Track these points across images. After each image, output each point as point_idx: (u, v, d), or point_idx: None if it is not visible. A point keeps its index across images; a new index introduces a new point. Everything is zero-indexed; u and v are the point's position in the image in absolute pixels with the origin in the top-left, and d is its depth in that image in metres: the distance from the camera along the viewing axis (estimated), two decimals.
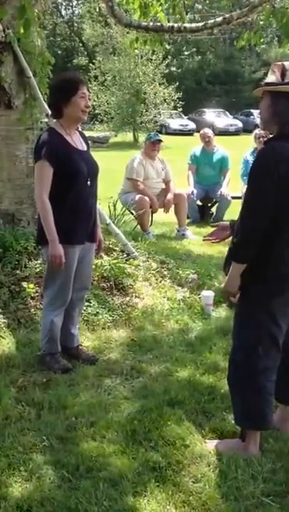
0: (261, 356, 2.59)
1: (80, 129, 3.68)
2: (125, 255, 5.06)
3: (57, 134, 3.37)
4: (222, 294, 2.85)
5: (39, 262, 4.42)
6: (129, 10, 6.58)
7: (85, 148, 3.52)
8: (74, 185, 3.34)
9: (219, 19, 5.75)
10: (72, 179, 3.33)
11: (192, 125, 29.10)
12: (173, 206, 7.14)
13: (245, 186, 2.67)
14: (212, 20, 5.83)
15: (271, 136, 2.61)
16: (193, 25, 5.94)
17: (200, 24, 5.90)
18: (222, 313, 4.57)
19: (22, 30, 4.29)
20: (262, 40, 7.75)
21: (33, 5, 4.64)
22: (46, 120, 4.87)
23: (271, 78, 2.53)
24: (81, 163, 3.37)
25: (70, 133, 3.42)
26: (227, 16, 5.73)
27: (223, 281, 2.72)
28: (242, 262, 2.55)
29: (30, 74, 4.68)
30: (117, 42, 24.05)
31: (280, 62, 2.56)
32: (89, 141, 3.70)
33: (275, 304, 2.58)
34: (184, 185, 7.91)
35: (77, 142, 3.46)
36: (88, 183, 3.41)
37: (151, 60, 23.67)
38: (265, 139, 2.74)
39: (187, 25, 5.96)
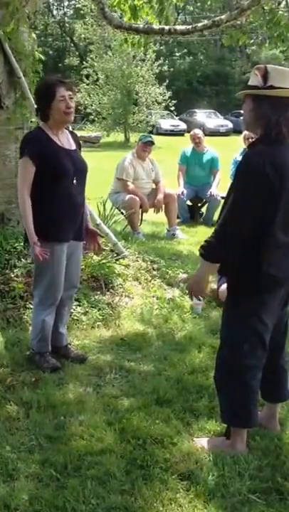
0: (247, 354, 2.62)
1: (70, 129, 3.70)
2: (115, 255, 5.08)
3: (43, 133, 3.40)
4: (188, 290, 2.86)
5: (28, 261, 4.42)
6: (120, 12, 6.60)
7: (73, 148, 3.52)
8: (59, 184, 3.35)
9: (209, 22, 5.78)
10: (57, 177, 3.35)
11: (183, 125, 29.16)
12: (163, 206, 7.17)
13: None
14: (202, 23, 5.87)
15: (255, 138, 2.63)
16: (184, 27, 5.97)
17: (190, 27, 5.93)
18: (211, 312, 4.60)
19: (11, 26, 4.31)
20: (252, 42, 7.82)
21: (23, 6, 4.65)
22: (37, 120, 4.89)
23: (253, 81, 2.54)
24: (66, 162, 3.37)
25: (57, 133, 3.43)
26: (216, 19, 5.77)
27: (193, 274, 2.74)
28: (216, 262, 2.57)
29: (21, 74, 4.69)
30: (109, 41, 24.06)
31: (262, 65, 2.56)
32: (80, 141, 3.70)
33: (262, 304, 2.60)
34: (174, 185, 7.94)
35: (65, 141, 3.47)
36: (74, 182, 3.42)
37: (144, 60, 23.69)
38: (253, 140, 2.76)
39: (177, 27, 5.99)
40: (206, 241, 2.58)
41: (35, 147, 3.33)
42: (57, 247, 3.38)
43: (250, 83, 2.57)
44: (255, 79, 2.53)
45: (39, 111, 3.47)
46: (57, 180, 3.35)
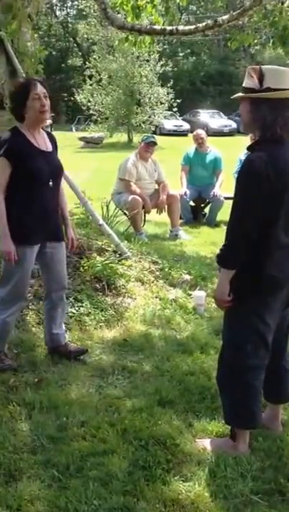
0: (249, 355, 2.62)
1: (49, 130, 3.68)
2: (118, 256, 5.08)
3: (19, 133, 3.37)
4: (215, 302, 2.83)
5: None
6: (124, 12, 6.61)
7: (50, 149, 3.49)
8: (33, 185, 3.33)
9: (210, 22, 5.78)
10: (32, 179, 3.32)
11: (186, 126, 29.14)
12: (166, 207, 7.17)
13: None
14: (204, 23, 5.86)
15: (254, 140, 2.62)
16: (186, 27, 5.96)
17: (192, 27, 5.93)
18: (214, 313, 4.59)
19: (13, 27, 4.31)
20: (255, 42, 7.82)
21: (25, 6, 4.66)
22: None
23: (249, 83, 2.52)
24: (41, 163, 3.36)
25: (33, 134, 3.40)
26: (218, 19, 5.77)
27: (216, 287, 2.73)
28: (231, 267, 2.56)
29: (23, 75, 4.69)
30: (112, 41, 24.06)
31: (256, 66, 2.53)
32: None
33: (264, 304, 2.60)
34: (177, 185, 7.94)
35: (41, 143, 3.44)
36: (50, 183, 3.40)
37: (148, 61, 23.69)
38: None
39: (179, 27, 5.99)
40: (220, 249, 2.59)
41: (12, 148, 3.30)
42: (27, 249, 3.36)
43: (245, 85, 2.54)
44: (250, 81, 2.51)
45: (14, 113, 3.44)
46: (31, 182, 3.32)
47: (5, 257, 3.28)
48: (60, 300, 3.68)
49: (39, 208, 3.37)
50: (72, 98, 27.36)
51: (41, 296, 4.21)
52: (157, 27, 6.05)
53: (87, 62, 26.26)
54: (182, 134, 27.65)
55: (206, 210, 8.38)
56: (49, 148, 3.49)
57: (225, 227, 2.71)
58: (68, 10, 47.24)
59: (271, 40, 7.15)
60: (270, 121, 2.47)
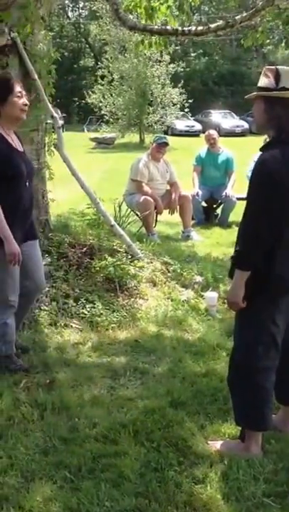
0: (260, 356, 2.60)
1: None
2: (130, 257, 5.07)
3: None
4: (228, 304, 2.80)
5: (44, 262, 4.43)
6: (137, 14, 6.59)
7: (22, 149, 3.47)
8: (14, 186, 3.29)
9: (222, 23, 5.76)
10: (13, 180, 3.28)
11: (198, 126, 29.08)
12: (178, 207, 7.16)
13: None
14: (216, 24, 5.84)
15: (268, 140, 2.61)
16: (198, 28, 5.94)
17: (204, 27, 5.90)
18: (226, 314, 4.57)
19: (28, 30, 4.33)
20: (268, 41, 7.81)
21: (38, 8, 4.67)
22: (51, 121, 4.91)
23: (264, 82, 2.53)
24: (21, 164, 3.34)
25: (9, 133, 3.37)
26: (230, 20, 5.75)
27: (229, 288, 2.71)
28: (247, 268, 2.55)
29: (36, 76, 4.70)
30: (124, 42, 24.05)
31: (273, 66, 2.56)
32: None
33: (274, 305, 2.59)
34: (189, 186, 7.92)
35: (16, 142, 3.42)
36: (27, 184, 3.38)
37: (160, 61, 23.66)
38: None
39: (192, 28, 5.97)
40: (235, 250, 2.57)
41: None
42: None
43: (261, 84, 2.56)
44: (266, 80, 2.52)
45: None
46: (12, 183, 3.28)
47: (10, 258, 3.23)
48: (34, 301, 3.68)
49: (19, 208, 3.34)
50: (83, 101, 27.42)
51: (54, 298, 4.23)
52: (169, 27, 6.04)
53: (99, 63, 26.29)
54: (194, 134, 27.59)
55: (218, 210, 8.35)
56: (22, 148, 3.47)
57: (237, 228, 2.69)
58: (80, 11, 47.41)
59: (284, 41, 7.12)
60: (285, 122, 2.47)
